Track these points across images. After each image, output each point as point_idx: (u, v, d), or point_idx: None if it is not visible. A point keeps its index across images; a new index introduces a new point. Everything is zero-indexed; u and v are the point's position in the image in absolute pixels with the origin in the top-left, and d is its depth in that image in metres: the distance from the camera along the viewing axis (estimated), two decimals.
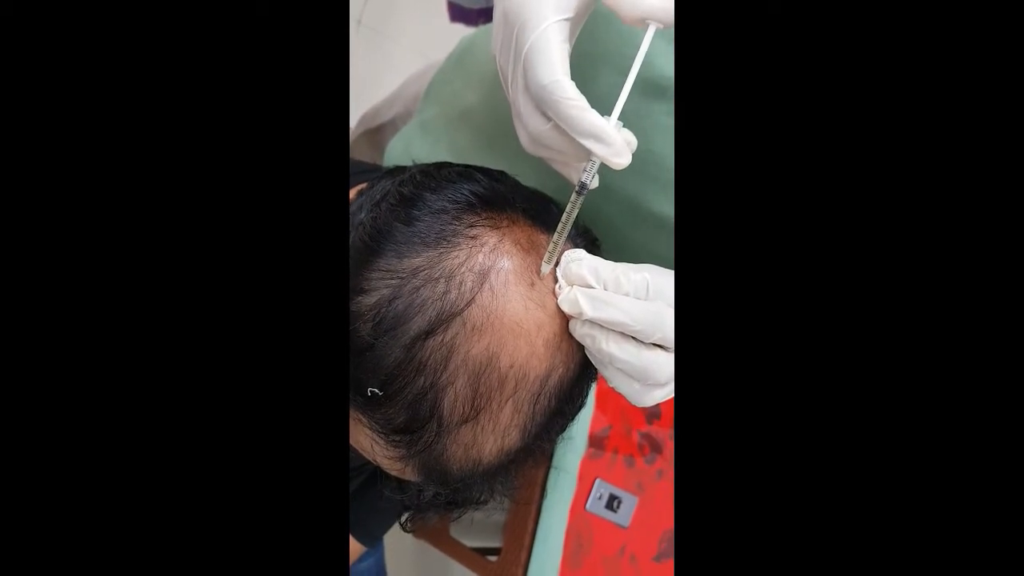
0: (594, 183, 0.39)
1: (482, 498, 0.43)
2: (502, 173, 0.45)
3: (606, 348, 0.38)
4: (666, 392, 0.39)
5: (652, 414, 1.29)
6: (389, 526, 0.75)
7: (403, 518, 0.48)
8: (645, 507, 1.28)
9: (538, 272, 0.40)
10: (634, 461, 1.27)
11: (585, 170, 0.38)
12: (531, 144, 0.39)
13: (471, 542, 1.48)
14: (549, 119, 0.37)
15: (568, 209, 0.39)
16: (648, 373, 0.37)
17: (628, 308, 0.37)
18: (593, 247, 0.45)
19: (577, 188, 0.38)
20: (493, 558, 1.36)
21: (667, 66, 0.43)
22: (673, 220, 0.45)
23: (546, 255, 0.39)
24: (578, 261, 0.39)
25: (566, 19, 0.36)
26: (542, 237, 0.41)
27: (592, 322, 0.38)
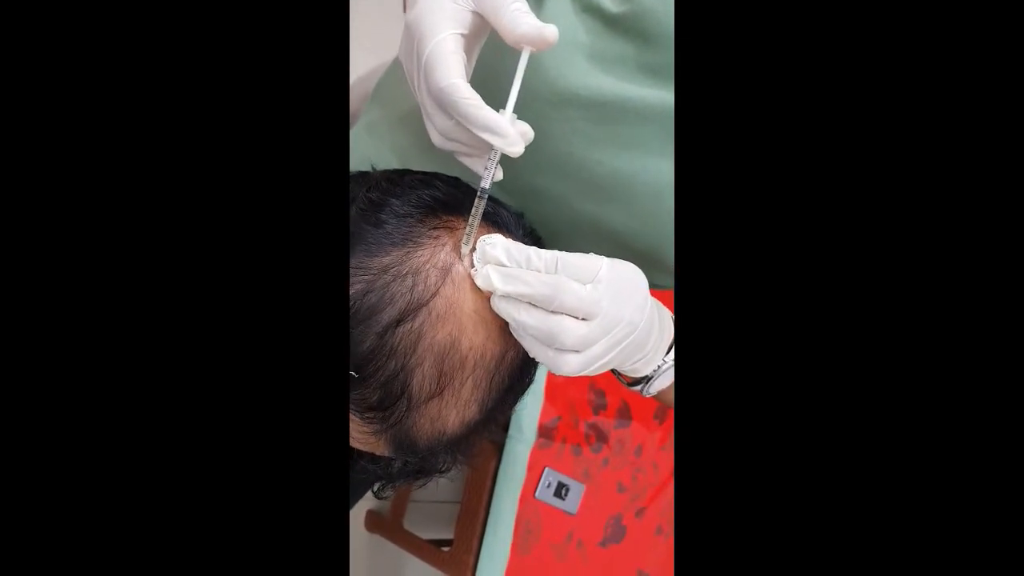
0: (499, 175, 0.44)
1: (444, 466, 0.48)
2: (456, 179, 0.50)
3: (518, 317, 0.42)
4: (580, 361, 0.42)
5: (598, 405, 1.34)
6: (353, 503, 0.79)
7: (375, 487, 0.53)
8: (592, 495, 1.33)
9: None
10: (581, 450, 1.32)
11: (489, 158, 0.43)
12: (440, 139, 0.44)
13: (425, 534, 1.52)
14: (452, 117, 0.41)
15: (476, 204, 0.44)
16: (554, 336, 0.41)
17: (531, 280, 0.41)
18: (539, 244, 0.50)
19: (479, 192, 0.43)
20: (448, 549, 1.39)
21: (578, 78, 0.49)
22: (594, 216, 0.51)
23: (464, 237, 0.44)
24: (492, 244, 0.43)
25: (460, 33, 0.42)
26: (495, 235, 0.46)
27: (506, 297, 0.42)
